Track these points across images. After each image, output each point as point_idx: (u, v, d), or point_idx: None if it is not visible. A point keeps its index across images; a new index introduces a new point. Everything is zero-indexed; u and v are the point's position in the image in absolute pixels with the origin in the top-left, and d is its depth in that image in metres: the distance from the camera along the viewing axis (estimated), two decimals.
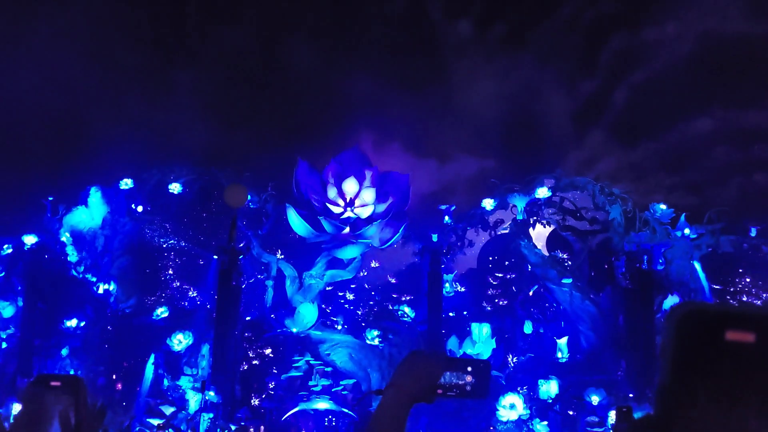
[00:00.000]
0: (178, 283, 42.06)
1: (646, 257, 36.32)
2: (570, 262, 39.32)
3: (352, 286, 40.16)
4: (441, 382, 2.28)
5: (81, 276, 39.02)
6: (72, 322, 37.33)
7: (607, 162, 46.17)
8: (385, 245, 37.67)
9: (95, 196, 40.29)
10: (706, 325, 1.24)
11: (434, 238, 39.49)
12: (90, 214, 40.31)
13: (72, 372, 36.63)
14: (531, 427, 33.31)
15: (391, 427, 2.12)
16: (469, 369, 2.47)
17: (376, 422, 2.13)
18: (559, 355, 37.47)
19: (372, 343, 37.77)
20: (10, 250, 38.84)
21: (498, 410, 34.07)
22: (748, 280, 40.61)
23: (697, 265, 38.35)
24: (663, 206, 38.60)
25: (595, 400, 34.00)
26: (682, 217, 38.64)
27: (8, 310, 37.66)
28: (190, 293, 41.39)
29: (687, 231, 38.37)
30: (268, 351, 38.26)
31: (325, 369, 36.22)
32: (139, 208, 41.21)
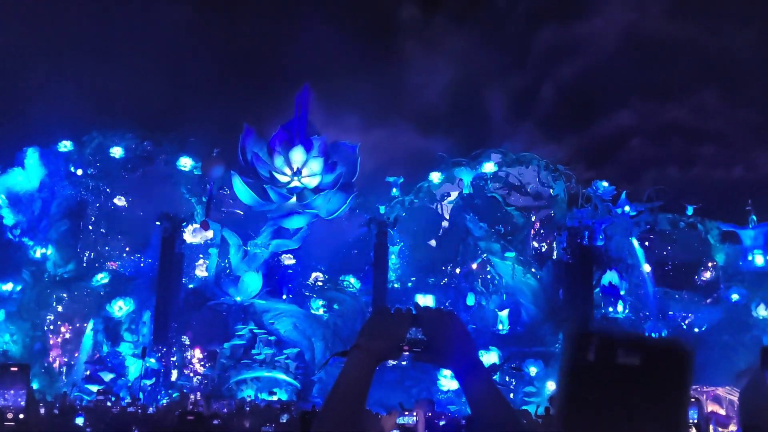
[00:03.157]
0: (119, 249, 41.25)
1: (587, 233, 37.21)
2: (513, 237, 39.94)
3: (298, 256, 40.00)
4: (407, 338, 2.32)
5: (17, 239, 37.92)
6: (7, 286, 36.37)
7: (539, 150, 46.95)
8: (332, 216, 37.55)
9: (32, 157, 39.03)
10: (600, 347, 1.43)
11: (381, 209, 39.61)
12: (27, 176, 39.07)
13: (8, 337, 35.80)
14: None
15: (356, 387, 2.12)
16: None
17: (341, 383, 2.12)
18: (500, 327, 38.21)
19: (317, 313, 37.84)
20: None
21: (439, 380, 34.65)
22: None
23: (635, 242, 39.48)
24: (605, 183, 39.49)
25: (533, 371, 34.87)
26: (623, 195, 39.61)
27: None
28: (132, 259, 40.62)
29: (627, 208, 39.37)
30: (210, 319, 37.89)
31: (269, 338, 36.15)
32: (79, 172, 40.13)
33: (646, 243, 40.50)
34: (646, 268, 39.53)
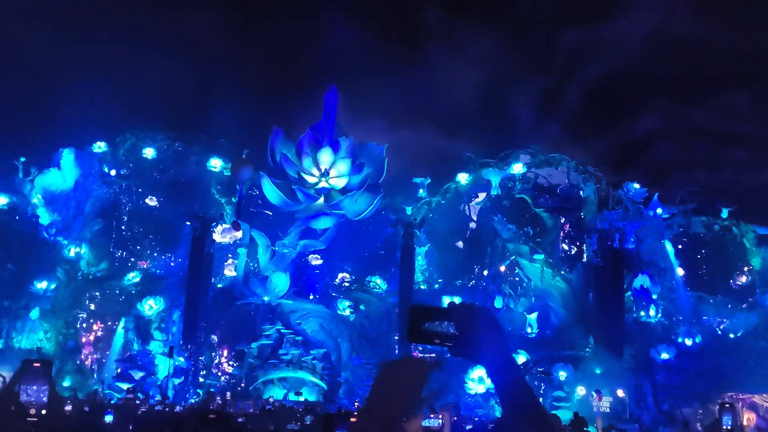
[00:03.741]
0: (150, 249, 41.75)
1: (618, 235, 36.58)
2: (542, 239, 39.53)
3: (325, 256, 40.07)
4: (438, 331, 2.27)
5: (52, 238, 38.59)
6: (42, 285, 37.01)
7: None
8: (359, 217, 37.57)
9: (68, 158, 39.73)
10: None
11: (408, 210, 39.52)
12: (62, 176, 39.78)
13: (42, 334, 36.44)
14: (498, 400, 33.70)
15: None
16: None
17: None
18: (529, 330, 37.79)
19: (343, 313, 37.88)
20: None
21: (467, 383, 34.44)
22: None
23: (668, 245, 38.74)
24: (636, 185, 38.81)
25: (562, 375, 34.43)
26: (655, 197, 38.88)
27: None
28: (163, 259, 41.09)
29: (659, 210, 38.66)
30: (239, 318, 38.14)
31: (296, 338, 36.30)
32: (112, 172, 40.78)
33: (679, 246, 39.71)
34: (680, 271, 38.75)
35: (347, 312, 37.69)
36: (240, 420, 23.48)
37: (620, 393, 33.60)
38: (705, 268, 41.23)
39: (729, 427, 22.50)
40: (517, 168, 39.64)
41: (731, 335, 37.42)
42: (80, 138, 40.76)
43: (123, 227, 41.63)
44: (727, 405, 22.91)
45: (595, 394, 30.37)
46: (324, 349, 36.39)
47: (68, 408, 23.31)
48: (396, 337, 36.80)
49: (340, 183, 37.04)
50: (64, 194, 39.84)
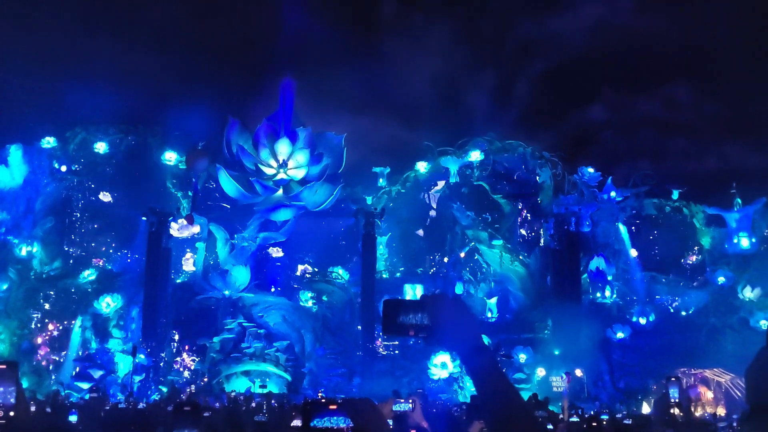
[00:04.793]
0: (105, 246, 40.89)
1: (573, 219, 37.40)
2: (500, 225, 40.10)
3: (285, 248, 39.89)
4: (413, 323, 2.36)
5: (2, 238, 37.63)
6: None
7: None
8: (319, 207, 37.48)
9: (15, 154, 38.64)
10: None
11: (368, 200, 39.59)
12: (10, 173, 38.69)
13: None
14: (461, 384, 34.18)
15: None
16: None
17: None
18: (489, 314, 38.37)
19: (306, 305, 37.81)
20: None
21: (429, 369, 34.79)
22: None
23: (622, 227, 39.70)
24: (591, 169, 39.64)
25: (522, 358, 35.08)
26: (609, 180, 39.77)
27: None
28: (119, 255, 40.30)
29: (613, 194, 39.56)
30: (199, 313, 37.71)
31: (258, 331, 36.10)
32: (63, 168, 39.80)
33: (633, 228, 40.72)
34: (633, 252, 39.77)
35: (310, 303, 37.62)
36: (206, 414, 23.28)
37: (578, 373, 34.36)
38: (657, 249, 42.34)
39: (676, 400, 23.33)
40: (475, 155, 40.07)
41: (683, 313, 38.64)
42: (28, 133, 39.63)
43: (76, 224, 40.68)
44: (673, 378, 23.74)
45: (564, 376, 31.06)
46: (287, 341, 36.27)
47: (32, 409, 22.83)
48: (359, 327, 36.94)
49: (299, 174, 36.87)
50: (12, 192, 38.80)
